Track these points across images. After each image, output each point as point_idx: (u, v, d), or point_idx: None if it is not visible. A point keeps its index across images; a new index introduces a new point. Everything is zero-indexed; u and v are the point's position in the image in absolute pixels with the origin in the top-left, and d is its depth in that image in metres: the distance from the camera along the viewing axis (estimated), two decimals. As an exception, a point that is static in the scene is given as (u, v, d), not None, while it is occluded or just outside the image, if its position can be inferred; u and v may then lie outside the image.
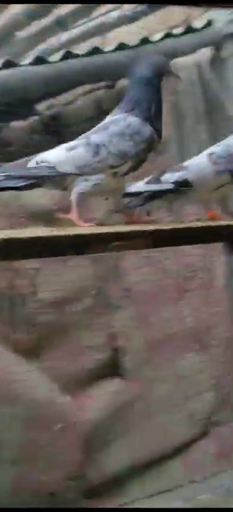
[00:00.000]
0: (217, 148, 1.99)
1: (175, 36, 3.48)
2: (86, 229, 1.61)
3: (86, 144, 1.76)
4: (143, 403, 3.43)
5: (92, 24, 3.35)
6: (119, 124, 1.78)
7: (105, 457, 3.30)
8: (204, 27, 3.57)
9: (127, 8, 3.27)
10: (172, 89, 3.35)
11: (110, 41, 3.27)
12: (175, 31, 3.53)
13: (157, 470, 3.42)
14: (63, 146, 1.78)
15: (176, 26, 3.67)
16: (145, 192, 1.91)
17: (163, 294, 3.51)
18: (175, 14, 3.53)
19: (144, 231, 1.61)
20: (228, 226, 1.78)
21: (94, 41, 3.28)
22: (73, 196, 1.72)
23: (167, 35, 3.45)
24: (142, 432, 3.40)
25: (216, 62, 3.58)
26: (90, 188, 1.74)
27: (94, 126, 1.80)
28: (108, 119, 1.83)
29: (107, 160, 1.74)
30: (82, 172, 1.73)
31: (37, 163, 1.75)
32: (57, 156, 1.75)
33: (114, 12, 3.32)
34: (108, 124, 1.80)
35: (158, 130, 1.79)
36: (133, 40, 3.36)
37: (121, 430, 3.38)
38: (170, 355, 3.49)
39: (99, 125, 1.83)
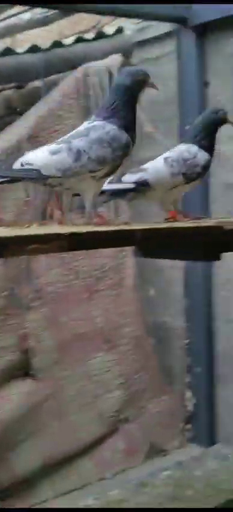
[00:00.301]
0: (171, 153, 2.22)
1: (87, 41, 3.52)
2: (3, 231, 1.62)
3: (68, 149, 1.88)
4: (54, 403, 3.45)
5: (3, 24, 3.32)
6: (98, 131, 1.91)
7: (16, 458, 3.28)
8: (114, 34, 3.64)
9: (38, 11, 3.27)
10: (83, 92, 3.41)
11: (21, 43, 3.26)
12: (87, 36, 3.57)
13: (67, 469, 3.45)
14: (46, 149, 1.90)
15: (86, 31, 3.71)
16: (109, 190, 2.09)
17: (74, 295, 3.55)
18: (85, 20, 3.57)
19: (60, 234, 1.65)
20: (140, 231, 1.85)
21: (6, 42, 3.26)
22: None
23: (79, 40, 3.48)
24: (53, 432, 3.41)
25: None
26: None
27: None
28: (86, 124, 1.95)
29: (87, 165, 1.88)
30: (64, 175, 1.87)
31: (22, 164, 1.86)
32: (41, 159, 1.88)
33: (26, 14, 3.32)
34: (88, 130, 1.92)
35: (132, 137, 1.94)
36: (44, 43, 3.37)
37: (32, 430, 3.38)
38: (80, 355, 3.53)
39: (78, 130, 1.94)
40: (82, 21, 3.54)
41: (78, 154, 1.87)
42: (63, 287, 3.52)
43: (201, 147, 2.21)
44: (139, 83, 1.97)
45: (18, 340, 3.39)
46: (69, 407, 3.49)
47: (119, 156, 1.90)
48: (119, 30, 3.64)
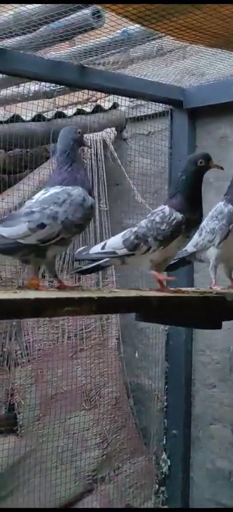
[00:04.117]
0: None
1: (85, 113, 3.72)
2: (43, 293, 1.75)
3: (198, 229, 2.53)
4: (34, 460, 3.48)
5: (11, 92, 3.49)
6: (212, 210, 2.60)
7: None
8: (110, 109, 3.87)
9: (47, 85, 3.46)
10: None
11: (28, 111, 3.43)
12: (85, 108, 3.78)
13: (45, 526, 3.46)
14: None
15: (81, 103, 3.91)
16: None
17: (59, 353, 3.62)
18: (83, 94, 3.77)
19: (90, 298, 1.79)
20: (156, 298, 2.01)
21: (12, 109, 3.43)
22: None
23: (79, 112, 3.69)
24: (32, 489, 3.43)
25: (118, 140, 3.89)
26: None
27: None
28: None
29: (206, 237, 2.56)
30: (197, 248, 2.60)
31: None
32: None
33: (34, 86, 3.51)
34: (212, 211, 2.62)
35: None
36: (48, 113, 3.57)
37: (13, 487, 3.40)
38: (62, 412, 3.59)
39: None
40: (77, 93, 3.72)
41: (201, 231, 2.55)
42: (49, 344, 3.61)
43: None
44: None
45: (5, 396, 3.44)
46: (48, 464, 3.52)
47: (225, 224, 2.51)
48: (115, 106, 3.86)
